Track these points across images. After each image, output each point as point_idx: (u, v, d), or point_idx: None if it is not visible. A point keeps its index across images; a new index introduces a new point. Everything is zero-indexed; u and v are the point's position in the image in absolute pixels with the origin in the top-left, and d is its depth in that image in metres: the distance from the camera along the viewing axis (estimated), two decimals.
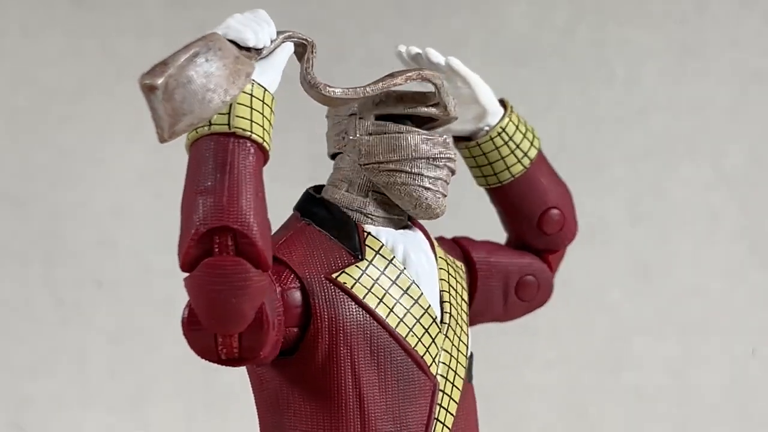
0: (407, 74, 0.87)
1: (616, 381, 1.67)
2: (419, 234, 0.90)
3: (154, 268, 1.60)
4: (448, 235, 1.00)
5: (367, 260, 0.86)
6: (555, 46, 1.66)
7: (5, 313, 1.66)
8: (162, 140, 0.75)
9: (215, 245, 0.75)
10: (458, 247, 0.97)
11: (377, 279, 0.85)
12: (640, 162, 1.66)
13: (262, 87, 0.80)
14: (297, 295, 0.83)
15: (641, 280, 1.67)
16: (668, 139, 1.67)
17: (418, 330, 0.85)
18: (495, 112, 1.00)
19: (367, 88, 0.85)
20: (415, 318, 0.85)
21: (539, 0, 1.67)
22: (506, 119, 0.99)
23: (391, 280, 0.85)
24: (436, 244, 0.92)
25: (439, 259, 0.90)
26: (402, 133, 0.87)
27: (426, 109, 0.89)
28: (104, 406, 1.65)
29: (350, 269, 0.84)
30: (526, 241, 1.00)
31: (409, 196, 0.86)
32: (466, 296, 0.92)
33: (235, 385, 1.65)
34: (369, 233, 0.87)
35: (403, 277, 0.86)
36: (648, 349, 1.67)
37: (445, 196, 0.89)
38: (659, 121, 1.67)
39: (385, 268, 0.85)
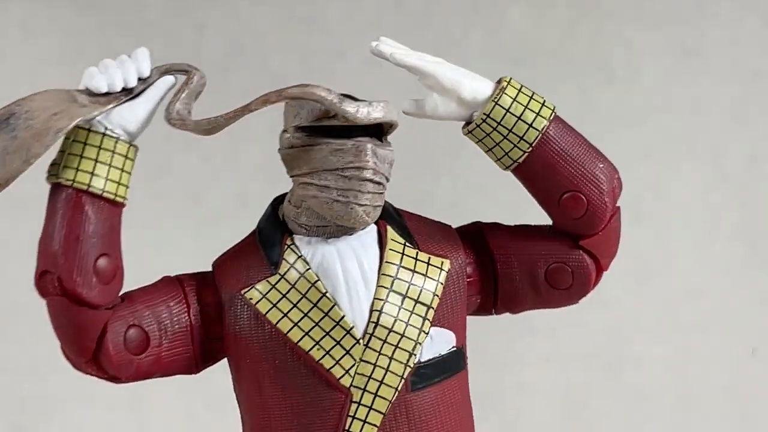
0: (266, 97, 0.90)
1: (616, 380, 1.67)
2: (366, 238, 0.90)
3: (154, 268, 1.60)
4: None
5: (279, 274, 0.87)
6: (555, 46, 1.66)
7: (5, 313, 1.66)
8: None
9: (47, 285, 0.84)
10: (466, 237, 0.93)
11: (286, 293, 0.86)
12: (640, 162, 1.66)
13: (104, 134, 0.83)
14: (215, 310, 0.88)
15: (641, 279, 1.67)
16: (668, 139, 1.67)
17: (327, 343, 0.85)
18: (476, 98, 0.91)
19: (220, 118, 0.87)
20: (324, 331, 0.85)
21: (539, 0, 1.67)
22: (490, 104, 0.90)
23: (301, 293, 0.86)
24: (397, 245, 0.90)
25: (387, 265, 0.88)
26: (312, 145, 0.89)
27: (328, 121, 0.89)
28: (104, 406, 1.65)
29: (261, 284, 0.87)
30: (559, 225, 0.93)
31: (321, 207, 0.87)
32: (431, 297, 0.88)
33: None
34: (290, 245, 0.87)
35: (314, 290, 0.85)
36: (648, 348, 1.67)
37: (363, 205, 0.86)
38: (659, 121, 1.67)
39: (296, 281, 0.87)
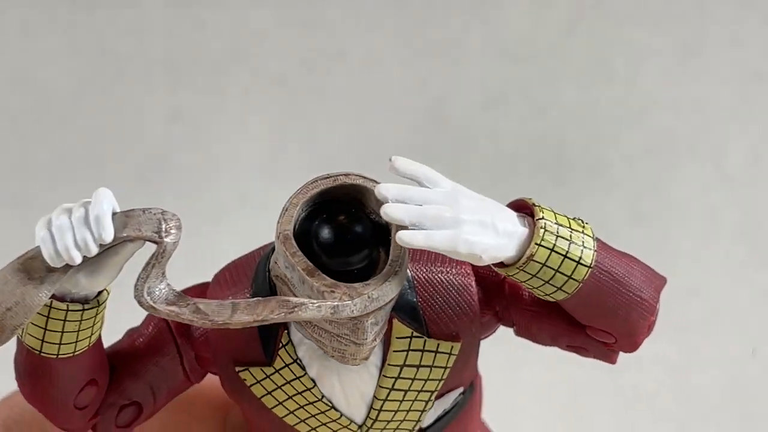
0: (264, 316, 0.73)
1: (616, 381, 1.67)
2: None
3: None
4: None
5: (274, 368, 0.79)
6: (555, 45, 1.66)
7: None
8: None
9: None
10: (485, 289, 0.82)
11: (281, 385, 0.80)
12: (640, 162, 1.66)
13: (67, 310, 0.74)
14: (212, 367, 0.83)
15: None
16: (668, 139, 1.67)
17: (324, 431, 0.82)
18: (498, 259, 0.75)
19: (201, 306, 0.73)
20: (321, 422, 0.81)
21: (539, 0, 1.67)
22: (514, 270, 0.74)
23: (297, 390, 0.80)
24: (403, 342, 0.79)
25: (390, 367, 0.79)
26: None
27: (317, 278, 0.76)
28: None
29: (255, 370, 0.80)
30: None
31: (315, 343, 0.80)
32: (437, 384, 0.81)
33: None
34: (287, 343, 0.80)
35: (309, 393, 0.80)
36: (648, 348, 1.67)
37: (366, 355, 0.77)
38: (659, 120, 1.67)
39: (292, 380, 0.80)
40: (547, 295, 0.75)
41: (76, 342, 0.76)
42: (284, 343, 0.80)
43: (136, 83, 1.65)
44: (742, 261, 1.67)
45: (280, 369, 0.80)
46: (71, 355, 0.76)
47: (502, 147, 1.65)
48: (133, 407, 0.83)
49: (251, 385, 0.81)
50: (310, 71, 1.66)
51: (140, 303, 0.73)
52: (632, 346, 0.83)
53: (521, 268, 0.73)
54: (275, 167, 1.66)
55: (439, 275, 0.81)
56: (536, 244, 0.73)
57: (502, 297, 0.82)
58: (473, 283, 0.81)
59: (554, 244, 0.74)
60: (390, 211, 0.71)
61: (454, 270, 0.81)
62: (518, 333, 0.85)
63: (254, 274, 0.82)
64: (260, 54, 1.65)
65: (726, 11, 1.66)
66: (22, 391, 0.80)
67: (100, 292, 0.77)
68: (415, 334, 0.79)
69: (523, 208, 0.77)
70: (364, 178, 0.77)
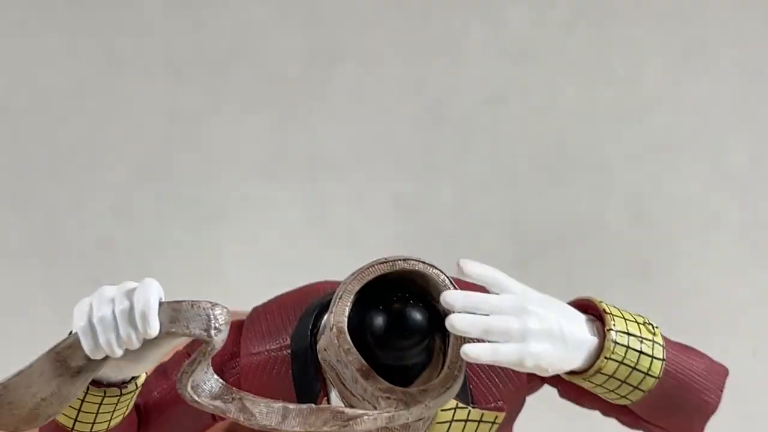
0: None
1: None
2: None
3: (154, 268, 1.60)
4: None
5: None
6: (555, 45, 1.66)
7: (5, 313, 1.66)
8: None
9: None
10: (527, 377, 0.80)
11: None
12: (641, 161, 1.66)
13: (103, 395, 0.72)
14: None
15: (641, 279, 1.67)
16: (669, 139, 1.67)
17: None
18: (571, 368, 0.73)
19: (247, 404, 0.70)
20: None
21: (539, 0, 1.67)
22: (582, 381, 0.73)
23: None
24: (447, 413, 0.77)
25: None
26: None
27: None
28: None
29: None
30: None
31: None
32: None
33: None
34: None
35: None
36: None
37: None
38: (660, 120, 1.67)
39: None
40: (611, 400, 0.74)
41: (110, 420, 0.74)
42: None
43: (136, 83, 1.64)
44: (743, 261, 1.67)
45: None
46: (105, 430, 0.74)
47: (502, 147, 1.65)
48: None
49: None
50: (310, 71, 1.65)
51: (183, 396, 0.69)
52: None
53: (588, 378, 0.72)
54: (275, 167, 1.66)
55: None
56: (606, 357, 0.71)
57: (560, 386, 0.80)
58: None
59: (624, 357, 0.72)
60: (457, 323, 0.68)
61: None
62: (563, 396, 0.82)
63: (294, 331, 0.78)
64: (260, 54, 1.65)
65: (726, 11, 1.66)
66: None
67: (137, 376, 0.74)
68: (460, 405, 0.76)
69: (590, 309, 0.75)
70: (423, 263, 0.72)
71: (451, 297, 0.69)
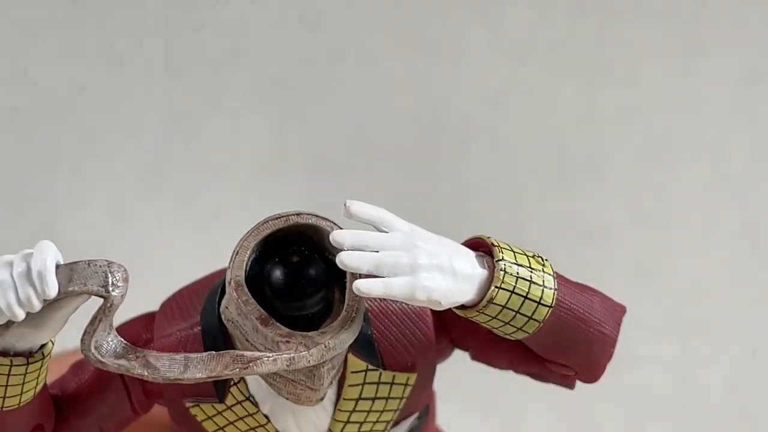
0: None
1: (617, 381, 1.66)
2: None
3: (154, 268, 1.60)
4: None
5: (226, 404, 0.78)
6: (555, 45, 1.66)
7: None
8: None
9: None
10: (435, 329, 0.80)
11: (233, 421, 0.79)
12: (641, 162, 1.66)
13: (10, 364, 0.72)
14: (158, 389, 0.80)
15: (642, 280, 1.67)
16: (669, 139, 1.67)
17: None
18: (457, 303, 0.73)
19: (151, 359, 0.71)
20: None
21: (539, 0, 1.67)
22: (474, 312, 0.73)
23: (250, 426, 0.79)
24: (358, 376, 0.78)
25: (345, 401, 0.78)
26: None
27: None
28: None
29: (205, 406, 0.79)
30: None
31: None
32: (393, 414, 0.80)
33: None
34: (239, 381, 0.78)
35: (263, 430, 0.79)
36: (648, 349, 1.67)
37: (324, 395, 0.76)
38: (660, 120, 1.67)
39: (244, 416, 0.79)
40: (507, 334, 0.74)
41: (21, 394, 0.73)
42: (236, 381, 0.77)
43: (136, 83, 1.65)
44: (743, 261, 1.67)
45: (232, 406, 0.78)
46: (17, 405, 0.74)
47: (502, 147, 1.65)
48: None
49: (202, 421, 0.79)
50: (310, 71, 1.66)
51: (87, 357, 0.70)
52: (592, 378, 0.81)
53: (481, 310, 0.72)
54: (275, 167, 1.66)
55: (394, 305, 0.79)
56: (496, 287, 0.71)
57: (457, 324, 0.79)
58: (428, 312, 0.79)
59: (515, 286, 0.72)
60: (346, 260, 0.69)
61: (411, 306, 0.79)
62: (474, 358, 0.83)
63: (203, 308, 0.79)
64: (260, 54, 1.65)
65: (726, 11, 1.66)
66: None
67: (44, 344, 0.74)
68: (370, 367, 0.78)
69: (481, 246, 0.75)
70: (317, 217, 0.74)
71: (339, 236, 0.70)
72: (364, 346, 0.78)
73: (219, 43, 1.65)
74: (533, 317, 0.73)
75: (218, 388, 0.78)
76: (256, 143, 1.65)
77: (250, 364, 0.69)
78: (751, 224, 1.67)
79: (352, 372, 0.77)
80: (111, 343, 0.71)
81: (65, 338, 0.83)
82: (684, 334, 1.69)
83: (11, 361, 0.72)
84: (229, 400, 0.78)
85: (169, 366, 0.70)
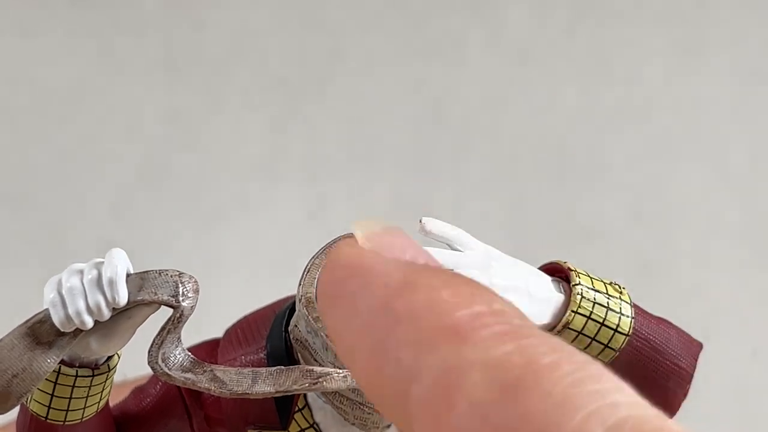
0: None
1: None
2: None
3: (154, 268, 1.60)
4: None
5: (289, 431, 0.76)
6: (555, 46, 1.66)
7: (4, 313, 1.66)
8: None
9: None
10: None
11: None
12: (641, 162, 1.66)
13: (75, 376, 0.71)
14: (219, 420, 0.78)
15: (642, 279, 1.67)
16: (669, 139, 1.67)
17: None
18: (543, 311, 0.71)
19: (218, 373, 0.69)
20: None
21: (539, 0, 1.67)
22: (560, 328, 0.71)
23: None
24: None
25: None
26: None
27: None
28: None
29: None
30: None
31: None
32: None
33: None
34: (303, 407, 0.76)
35: None
36: None
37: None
38: (660, 120, 1.67)
39: None
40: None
41: (84, 408, 0.72)
42: (300, 407, 0.75)
43: (136, 83, 1.65)
44: (743, 261, 1.67)
45: None
46: (79, 421, 0.73)
47: (502, 147, 1.65)
48: None
49: None
50: (310, 71, 1.66)
51: (154, 370, 0.69)
52: (668, 414, 0.78)
53: (557, 333, 0.69)
54: (275, 167, 1.66)
55: None
56: (572, 311, 0.69)
57: None
58: None
59: (591, 312, 0.70)
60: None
61: None
62: None
63: (269, 333, 0.77)
64: (260, 54, 1.65)
65: (726, 11, 1.66)
66: None
67: (110, 357, 0.73)
68: None
69: (558, 272, 0.73)
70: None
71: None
72: None
73: (219, 43, 1.65)
74: (609, 345, 0.71)
75: (282, 415, 0.76)
76: (256, 143, 1.65)
77: (320, 380, 0.68)
78: (751, 224, 1.67)
79: None
80: (179, 356, 0.69)
81: (125, 366, 0.83)
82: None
83: (77, 372, 0.71)
84: (293, 428, 0.76)
85: (237, 380, 0.68)
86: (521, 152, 1.65)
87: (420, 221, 0.71)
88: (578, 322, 0.70)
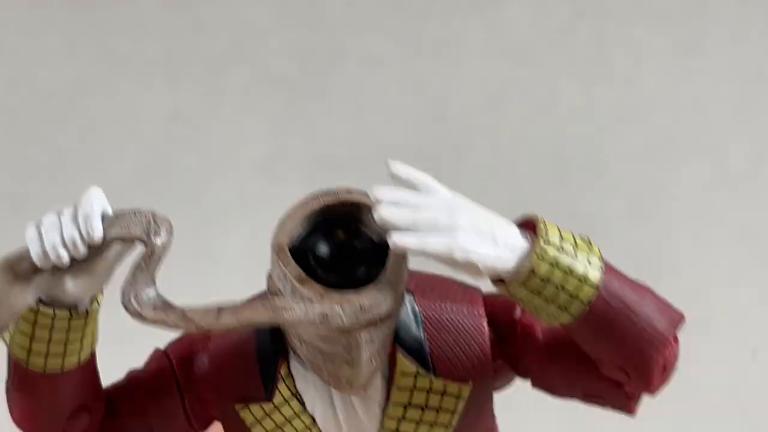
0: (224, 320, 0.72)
1: None
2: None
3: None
4: None
5: (273, 404, 0.79)
6: (555, 45, 1.66)
7: None
8: None
9: None
10: (496, 327, 0.79)
11: (281, 424, 0.79)
12: (641, 162, 1.66)
13: (53, 316, 0.73)
14: (213, 410, 0.81)
15: (641, 279, 1.67)
16: (669, 139, 1.67)
17: None
18: (496, 272, 0.69)
19: (187, 312, 0.71)
20: None
21: (539, 0, 1.67)
22: (519, 288, 0.69)
23: (296, 430, 0.79)
24: (407, 378, 0.77)
25: (394, 406, 0.78)
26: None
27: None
28: None
29: (254, 407, 0.79)
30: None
31: (312, 366, 0.79)
32: (443, 430, 0.79)
33: None
34: (285, 377, 0.79)
35: None
36: None
37: (362, 381, 0.75)
38: (660, 120, 1.67)
39: (292, 418, 0.79)
40: (552, 317, 0.70)
41: (64, 356, 0.74)
42: (283, 376, 0.78)
43: (136, 83, 1.65)
44: (742, 261, 1.67)
45: (280, 406, 0.79)
46: (59, 370, 0.74)
47: (502, 147, 1.65)
48: None
49: (251, 424, 0.79)
50: (310, 71, 1.66)
51: (126, 308, 0.71)
52: (647, 384, 0.76)
53: (523, 282, 0.68)
54: (275, 167, 1.66)
55: (450, 314, 0.78)
56: (536, 255, 0.68)
57: (514, 338, 0.78)
58: (485, 324, 0.77)
59: (556, 259, 0.68)
60: (383, 212, 0.67)
61: (465, 310, 0.78)
62: (535, 383, 0.80)
63: (256, 336, 0.80)
64: (260, 54, 1.65)
65: (726, 11, 1.66)
66: (12, 414, 0.77)
67: (90, 303, 0.74)
68: (420, 371, 0.77)
69: (528, 226, 0.72)
70: (367, 195, 0.73)
71: (378, 190, 0.69)
72: (414, 349, 0.77)
73: (219, 43, 1.65)
74: (578, 297, 0.69)
75: (267, 385, 0.78)
76: (256, 143, 1.65)
77: (281, 311, 0.70)
78: (750, 224, 1.67)
79: (401, 373, 0.76)
80: (151, 295, 0.71)
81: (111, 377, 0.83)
82: (684, 333, 1.69)
83: (54, 313, 0.72)
84: (277, 399, 0.78)
85: (204, 315, 0.70)
86: (521, 152, 1.65)
87: (387, 163, 0.72)
88: (543, 269, 0.68)
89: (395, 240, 0.67)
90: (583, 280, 0.70)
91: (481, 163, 1.64)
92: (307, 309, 0.70)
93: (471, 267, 0.68)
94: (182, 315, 0.71)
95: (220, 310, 0.71)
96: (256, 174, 1.65)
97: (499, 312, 0.79)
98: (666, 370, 0.77)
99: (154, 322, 0.71)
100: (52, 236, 0.70)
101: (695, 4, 1.66)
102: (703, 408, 1.67)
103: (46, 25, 1.65)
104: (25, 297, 0.71)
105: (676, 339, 0.77)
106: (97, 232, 0.70)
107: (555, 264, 0.69)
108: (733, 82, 1.66)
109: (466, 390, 0.77)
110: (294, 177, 1.65)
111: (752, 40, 1.66)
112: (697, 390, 1.67)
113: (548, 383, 0.80)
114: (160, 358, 0.81)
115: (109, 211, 0.72)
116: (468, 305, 0.78)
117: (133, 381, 0.82)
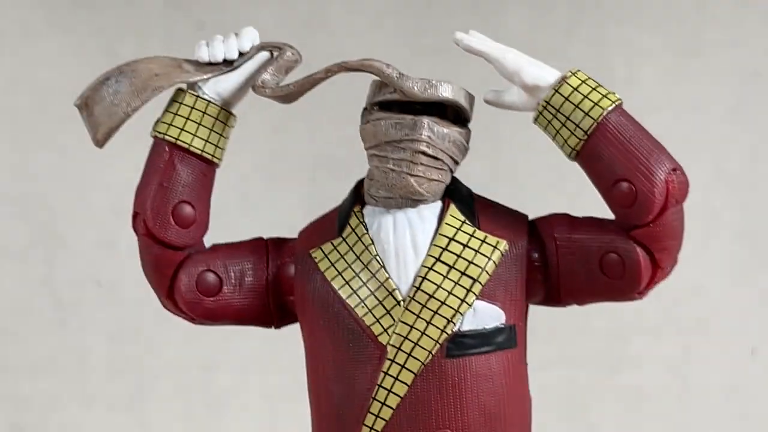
0: (328, 68, 1.02)
1: (616, 381, 1.67)
2: (426, 212, 0.95)
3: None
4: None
5: (342, 237, 0.95)
6: (555, 46, 1.66)
7: (5, 313, 1.66)
8: (96, 145, 1.01)
9: (137, 226, 1.02)
10: (538, 225, 0.98)
11: (344, 254, 0.95)
12: None
13: (197, 97, 0.98)
14: (291, 268, 0.98)
15: None
16: (668, 139, 1.66)
17: (371, 301, 0.93)
18: (538, 85, 0.97)
19: (291, 86, 0.99)
20: (370, 290, 0.93)
21: (539, 0, 1.67)
22: (551, 91, 0.95)
23: (356, 255, 0.94)
24: (455, 220, 0.95)
25: (440, 237, 0.94)
26: (379, 119, 0.95)
27: (390, 95, 0.97)
28: (104, 406, 1.65)
29: (325, 245, 0.96)
30: (615, 216, 0.97)
31: (380, 177, 0.95)
32: (479, 272, 0.94)
33: (234, 385, 1.65)
34: (357, 212, 0.96)
35: (366, 252, 0.94)
36: (648, 349, 1.67)
37: (416, 175, 0.93)
38: (659, 121, 1.66)
39: (354, 244, 0.94)
40: (565, 140, 0.94)
41: (194, 135, 0.97)
42: (356, 211, 0.96)
43: None
44: (742, 261, 1.67)
45: (347, 236, 0.95)
46: (187, 146, 0.97)
47: (503, 147, 1.65)
48: (214, 278, 0.97)
49: (319, 261, 0.95)
50: (310, 71, 1.66)
51: (254, 87, 0.97)
52: (650, 203, 0.93)
53: (556, 88, 0.94)
54: (275, 167, 1.66)
55: (500, 207, 0.98)
56: (570, 72, 0.95)
57: (544, 223, 0.97)
58: (526, 218, 0.98)
59: (579, 85, 0.95)
60: (461, 36, 0.98)
61: (516, 210, 0.99)
62: (566, 298, 0.97)
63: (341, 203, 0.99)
64: None
65: (725, 11, 1.66)
66: (137, 196, 1.01)
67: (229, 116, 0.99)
68: (467, 222, 0.95)
69: None
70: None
71: (460, 34, 0.99)
72: (465, 204, 0.96)
73: None
74: (589, 113, 0.94)
75: (341, 225, 0.96)
76: (256, 143, 1.65)
77: (347, 61, 1.03)
78: (750, 224, 1.67)
79: (451, 215, 0.95)
80: (270, 81, 0.98)
81: None
82: (684, 333, 1.69)
83: (197, 96, 0.97)
84: (346, 231, 0.95)
85: (298, 86, 1.01)
86: (521, 152, 1.65)
87: (455, 36, 0.99)
88: (566, 89, 0.95)
89: (461, 38, 0.98)
90: (606, 94, 0.96)
91: (481, 163, 1.64)
92: (294, 52, 1.00)
93: (517, 73, 0.97)
94: (283, 86, 0.98)
95: (316, 72, 1.00)
96: (256, 174, 1.65)
97: (542, 218, 0.98)
98: (669, 195, 0.94)
99: (273, 93, 0.97)
100: (215, 43, 0.97)
101: (693, 5, 1.66)
102: (703, 408, 1.67)
103: (47, 25, 1.65)
104: (183, 75, 0.95)
105: (681, 169, 0.97)
106: (247, 43, 0.98)
107: (576, 87, 0.94)
108: (731, 82, 1.66)
109: (503, 244, 0.94)
110: (294, 177, 1.65)
111: (749, 41, 1.66)
112: (697, 390, 1.67)
113: (571, 260, 0.96)
114: (258, 239, 1.01)
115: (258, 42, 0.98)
116: (515, 212, 0.99)
117: (233, 242, 1.00)
